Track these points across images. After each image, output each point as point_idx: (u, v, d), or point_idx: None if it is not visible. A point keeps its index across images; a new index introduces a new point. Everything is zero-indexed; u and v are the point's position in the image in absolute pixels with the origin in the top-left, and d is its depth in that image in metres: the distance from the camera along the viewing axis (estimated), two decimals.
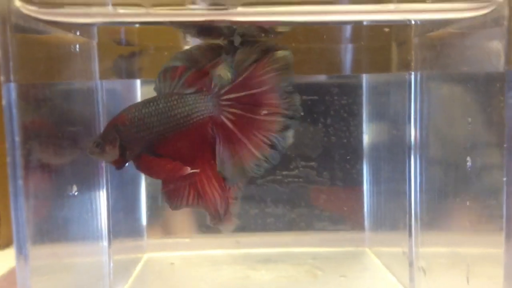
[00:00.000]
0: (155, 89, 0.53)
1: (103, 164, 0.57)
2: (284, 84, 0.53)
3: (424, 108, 0.56)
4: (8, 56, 0.39)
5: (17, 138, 0.40)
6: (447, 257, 0.54)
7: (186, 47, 0.59)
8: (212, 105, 0.53)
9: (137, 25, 0.57)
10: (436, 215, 0.55)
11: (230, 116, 0.53)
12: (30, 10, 0.41)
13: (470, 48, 0.48)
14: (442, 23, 0.51)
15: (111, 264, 0.59)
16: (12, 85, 0.39)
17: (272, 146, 0.54)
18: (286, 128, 0.54)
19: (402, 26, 0.58)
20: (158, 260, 0.72)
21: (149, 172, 0.55)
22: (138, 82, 0.70)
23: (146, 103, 0.52)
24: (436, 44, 0.53)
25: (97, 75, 0.56)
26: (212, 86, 0.53)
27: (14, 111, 0.40)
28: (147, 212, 0.73)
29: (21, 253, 0.41)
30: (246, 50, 0.53)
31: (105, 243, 0.58)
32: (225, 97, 0.53)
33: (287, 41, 0.59)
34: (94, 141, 0.51)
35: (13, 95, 0.39)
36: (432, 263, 0.56)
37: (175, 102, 0.52)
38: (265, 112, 0.53)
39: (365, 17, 0.50)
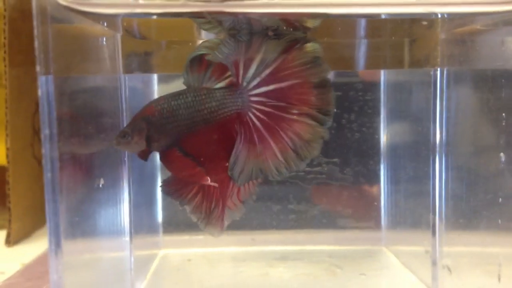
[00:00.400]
0: (184, 82, 0.52)
1: (126, 159, 0.57)
2: (316, 79, 0.52)
3: (451, 104, 0.55)
4: (46, 48, 0.38)
5: (53, 131, 0.39)
6: (474, 256, 0.54)
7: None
8: (240, 101, 0.52)
9: (154, 17, 0.56)
10: (463, 214, 0.54)
11: (258, 113, 0.52)
12: (66, 1, 0.41)
13: (505, 43, 0.47)
14: (472, 17, 0.51)
15: (132, 259, 0.58)
16: (49, 77, 0.39)
17: (296, 152, 0.53)
18: (316, 136, 0.53)
19: (427, 20, 0.58)
20: (174, 256, 0.71)
21: (171, 168, 0.54)
22: (155, 76, 0.70)
23: (175, 95, 0.52)
24: (466, 40, 0.53)
25: (121, 69, 0.56)
26: (240, 80, 0.52)
27: (51, 103, 0.39)
28: (162, 208, 0.72)
29: (55, 247, 0.40)
30: (273, 42, 0.52)
31: (127, 238, 0.57)
32: (254, 92, 0.52)
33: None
34: (121, 132, 0.51)
35: (50, 87, 0.39)
36: (458, 262, 0.56)
37: (203, 97, 0.52)
38: (295, 111, 0.52)
39: (386, 10, 0.50)
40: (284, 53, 0.52)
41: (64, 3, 0.41)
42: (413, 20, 0.59)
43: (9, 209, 0.83)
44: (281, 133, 0.53)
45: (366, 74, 0.72)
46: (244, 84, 0.52)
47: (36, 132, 0.91)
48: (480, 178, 0.52)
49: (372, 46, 0.66)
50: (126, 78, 0.57)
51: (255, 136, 0.53)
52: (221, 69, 0.53)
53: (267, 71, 0.52)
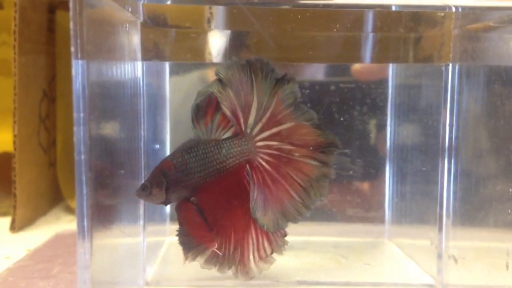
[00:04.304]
0: (194, 135, 0.55)
1: (142, 152, 0.58)
2: (310, 121, 0.54)
3: (463, 99, 0.56)
4: (80, 33, 0.39)
5: (84, 115, 0.40)
6: (480, 250, 0.55)
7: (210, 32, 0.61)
8: (247, 149, 0.55)
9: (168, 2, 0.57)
10: (471, 209, 0.55)
11: (266, 157, 0.55)
12: None
13: None
14: (485, 12, 0.52)
15: (145, 245, 0.59)
16: (83, 62, 0.40)
17: (307, 192, 0.55)
18: (322, 175, 0.55)
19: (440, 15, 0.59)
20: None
21: (184, 222, 0.57)
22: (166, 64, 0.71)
23: (187, 149, 0.55)
24: (480, 36, 0.54)
25: (140, 55, 0.57)
26: (243, 127, 0.54)
27: (85, 88, 0.40)
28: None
29: (83, 230, 0.41)
30: (261, 84, 0.53)
31: (141, 225, 0.58)
32: (259, 137, 0.54)
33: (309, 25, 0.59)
34: (142, 185, 0.54)
35: (84, 72, 0.40)
36: (464, 256, 0.57)
37: (212, 149, 0.55)
38: (298, 153, 0.54)
39: (401, 2, 0.51)
40: (273, 95, 0.54)
41: None
42: (422, 15, 0.60)
43: (15, 195, 0.84)
44: (291, 173, 0.54)
45: (362, 75, 0.73)
46: (248, 131, 0.54)
47: (42, 120, 0.91)
48: (489, 174, 0.53)
49: (379, 40, 0.67)
50: (144, 64, 0.58)
51: (267, 179, 0.55)
52: (226, 118, 0.55)
53: (267, 115, 0.54)
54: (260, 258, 0.56)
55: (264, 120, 0.54)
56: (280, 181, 0.54)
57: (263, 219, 0.54)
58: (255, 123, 0.54)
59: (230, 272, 0.56)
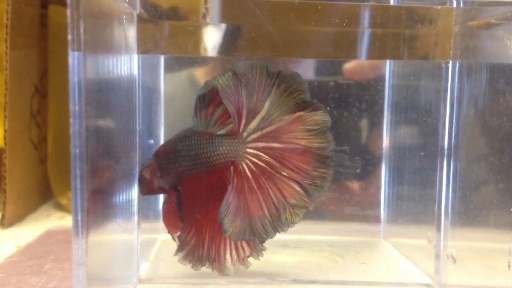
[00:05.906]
0: (193, 125, 0.54)
1: (137, 148, 0.58)
2: (321, 152, 0.53)
3: (463, 97, 0.56)
4: (77, 23, 0.38)
5: (81, 108, 0.39)
6: (480, 249, 0.54)
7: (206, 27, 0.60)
8: (235, 150, 0.53)
9: None
10: (471, 206, 0.55)
11: (251, 165, 0.54)
12: None
13: None
14: (487, 8, 0.52)
15: (139, 242, 0.59)
16: (80, 54, 0.39)
17: (279, 213, 0.53)
18: (301, 204, 0.53)
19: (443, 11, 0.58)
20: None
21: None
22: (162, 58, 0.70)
23: (181, 137, 0.54)
24: (482, 33, 0.54)
25: (136, 47, 0.56)
26: (241, 129, 0.53)
27: (81, 80, 0.39)
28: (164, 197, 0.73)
29: (77, 226, 0.40)
30: (281, 98, 0.53)
31: (135, 222, 0.58)
32: (252, 144, 0.53)
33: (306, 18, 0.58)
34: (142, 164, 0.56)
35: (81, 64, 0.39)
36: (463, 255, 0.56)
37: (203, 141, 0.54)
38: (286, 174, 0.53)
39: None
40: (291, 114, 0.53)
41: None
42: (422, 10, 0.59)
43: (5, 191, 0.83)
44: (269, 190, 0.53)
45: (355, 74, 0.73)
46: (245, 135, 0.53)
47: (33, 116, 0.90)
48: (489, 173, 0.52)
49: (376, 37, 0.66)
50: (140, 58, 0.57)
51: (246, 187, 0.53)
52: (227, 114, 0.54)
53: (270, 128, 0.53)
54: (238, 258, 0.55)
55: (265, 131, 0.53)
56: (256, 193, 0.53)
57: (229, 225, 0.53)
58: (255, 130, 0.53)
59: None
